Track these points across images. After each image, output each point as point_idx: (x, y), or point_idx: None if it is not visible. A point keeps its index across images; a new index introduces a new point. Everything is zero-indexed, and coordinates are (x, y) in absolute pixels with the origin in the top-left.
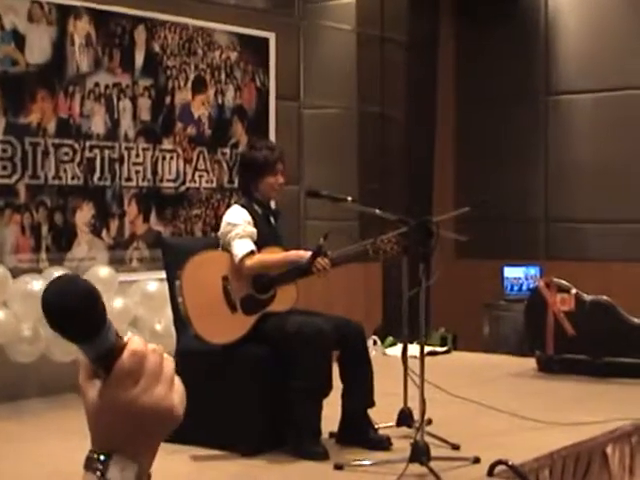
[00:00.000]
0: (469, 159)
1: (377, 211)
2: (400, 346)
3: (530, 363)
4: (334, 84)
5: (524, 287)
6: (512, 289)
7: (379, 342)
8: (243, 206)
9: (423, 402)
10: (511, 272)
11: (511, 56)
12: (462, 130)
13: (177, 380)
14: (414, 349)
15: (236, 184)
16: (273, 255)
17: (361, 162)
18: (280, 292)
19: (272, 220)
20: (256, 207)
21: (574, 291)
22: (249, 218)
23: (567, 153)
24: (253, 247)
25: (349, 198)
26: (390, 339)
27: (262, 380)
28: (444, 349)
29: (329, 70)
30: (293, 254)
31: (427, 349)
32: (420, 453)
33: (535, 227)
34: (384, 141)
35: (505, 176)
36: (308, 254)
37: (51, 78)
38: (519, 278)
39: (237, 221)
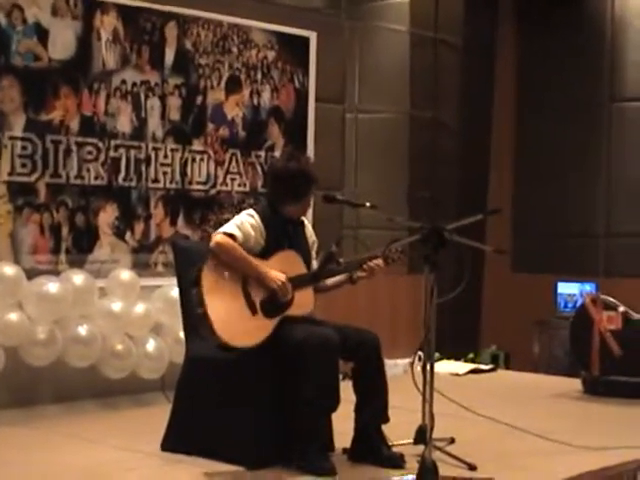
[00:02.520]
0: (527, 169)
1: (398, 218)
2: (444, 363)
3: (576, 384)
4: (384, 87)
5: (578, 304)
6: (566, 306)
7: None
8: (258, 212)
9: (432, 418)
10: (565, 288)
11: (574, 61)
12: (520, 138)
13: None
14: (456, 366)
15: None
16: (247, 256)
17: (412, 169)
18: (298, 296)
19: (290, 230)
20: (274, 215)
21: (622, 309)
22: (256, 224)
23: (631, 165)
24: (238, 234)
25: (367, 204)
26: (435, 355)
27: (270, 391)
28: (488, 367)
29: (379, 73)
30: (262, 270)
31: (471, 367)
32: (427, 472)
33: (595, 242)
34: (436, 148)
35: (565, 187)
36: (277, 278)
37: (75, 74)
38: (574, 295)
39: (240, 218)
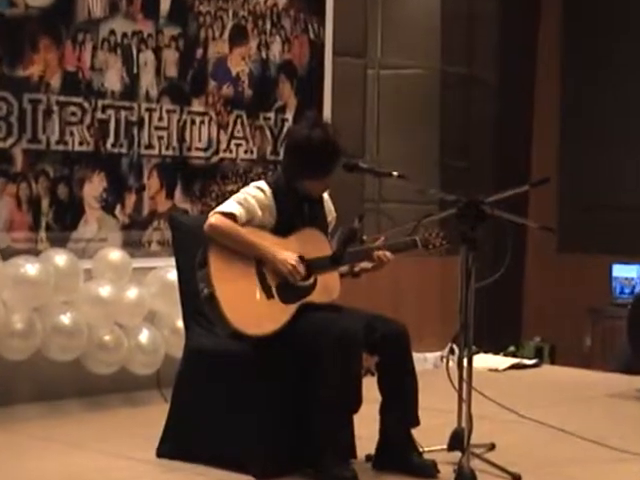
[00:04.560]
0: (576, 133)
1: (430, 190)
2: (482, 357)
3: (635, 382)
4: (412, 39)
5: (637, 289)
6: (622, 291)
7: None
8: (270, 185)
9: (470, 420)
10: (622, 271)
11: (634, 7)
12: (568, 98)
13: None
14: (495, 361)
15: (282, 155)
16: (249, 237)
17: (443, 134)
18: (322, 280)
19: (306, 208)
20: (288, 190)
21: None
22: (266, 200)
23: None
24: (239, 212)
25: (395, 173)
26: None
27: (283, 389)
28: (532, 362)
29: (406, 22)
30: (268, 251)
31: (512, 361)
32: None
33: None
34: (472, 109)
35: (621, 154)
36: (287, 261)
37: (56, 23)
38: (632, 278)
39: (247, 192)
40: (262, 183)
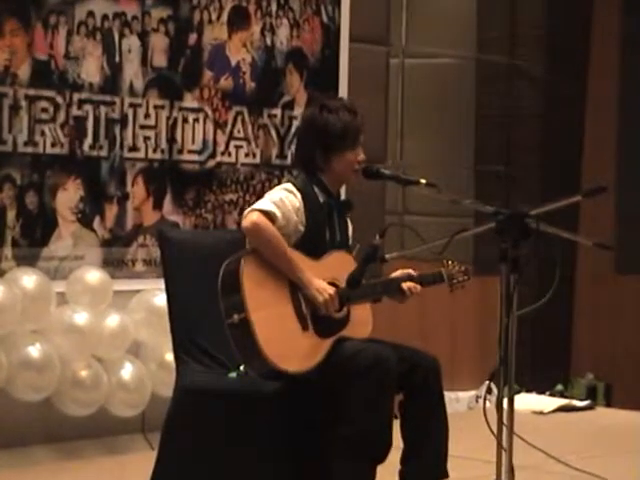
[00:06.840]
0: (636, 135)
1: (465, 201)
2: (525, 397)
3: None
4: (442, 23)
5: None
6: None
7: (495, 390)
8: (297, 186)
9: (512, 472)
10: None
11: None
12: (627, 89)
13: None
14: (541, 402)
15: (289, 159)
16: (290, 252)
17: (479, 134)
18: (354, 313)
19: (335, 213)
20: (317, 192)
21: None
22: (299, 204)
23: None
24: (278, 213)
25: (423, 180)
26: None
27: (293, 431)
28: (584, 404)
29: (436, 3)
30: (304, 275)
31: (560, 402)
32: None
33: None
34: (513, 105)
35: None
36: (325, 290)
37: (25, 4)
38: None
39: (278, 194)
40: (290, 185)
